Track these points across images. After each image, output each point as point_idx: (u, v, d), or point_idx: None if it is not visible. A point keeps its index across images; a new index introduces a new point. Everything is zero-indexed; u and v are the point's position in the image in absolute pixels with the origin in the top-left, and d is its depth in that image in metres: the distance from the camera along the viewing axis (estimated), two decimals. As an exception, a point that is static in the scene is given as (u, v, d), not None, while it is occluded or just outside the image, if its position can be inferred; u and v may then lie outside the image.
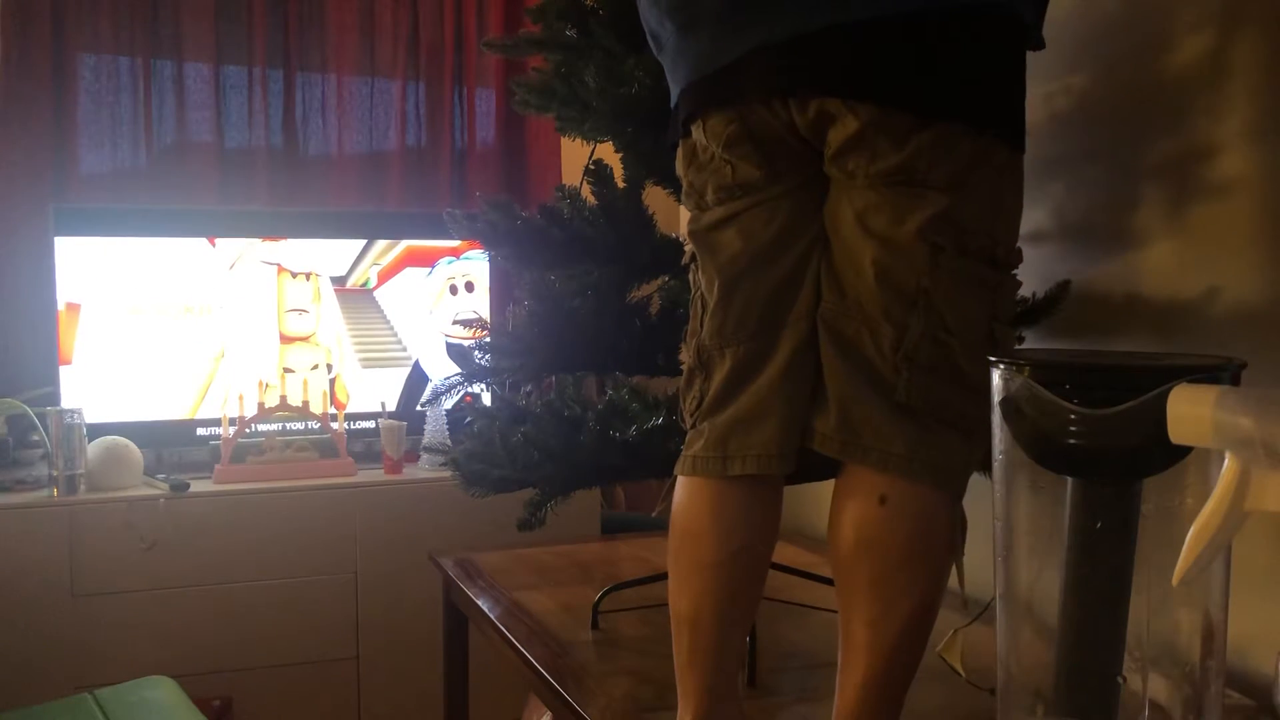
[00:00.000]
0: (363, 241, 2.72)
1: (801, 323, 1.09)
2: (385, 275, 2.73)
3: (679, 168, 1.20)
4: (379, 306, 2.73)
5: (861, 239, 1.04)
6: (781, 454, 1.09)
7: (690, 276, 1.20)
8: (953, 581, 1.09)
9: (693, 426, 1.16)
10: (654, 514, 1.20)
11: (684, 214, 1.24)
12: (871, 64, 1.01)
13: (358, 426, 2.68)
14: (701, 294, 1.16)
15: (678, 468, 1.17)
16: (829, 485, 1.14)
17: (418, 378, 2.75)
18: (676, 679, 1.19)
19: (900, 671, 1.07)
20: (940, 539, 1.06)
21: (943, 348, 1.03)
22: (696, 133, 1.13)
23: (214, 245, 2.59)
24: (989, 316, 1.06)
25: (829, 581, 1.25)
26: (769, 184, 1.09)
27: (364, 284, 2.72)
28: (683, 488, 1.16)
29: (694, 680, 1.16)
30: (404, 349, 2.75)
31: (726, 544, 1.13)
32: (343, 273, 2.71)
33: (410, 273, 2.76)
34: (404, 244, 2.75)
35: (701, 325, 1.15)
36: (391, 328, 2.74)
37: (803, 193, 1.09)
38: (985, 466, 1.08)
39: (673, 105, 1.19)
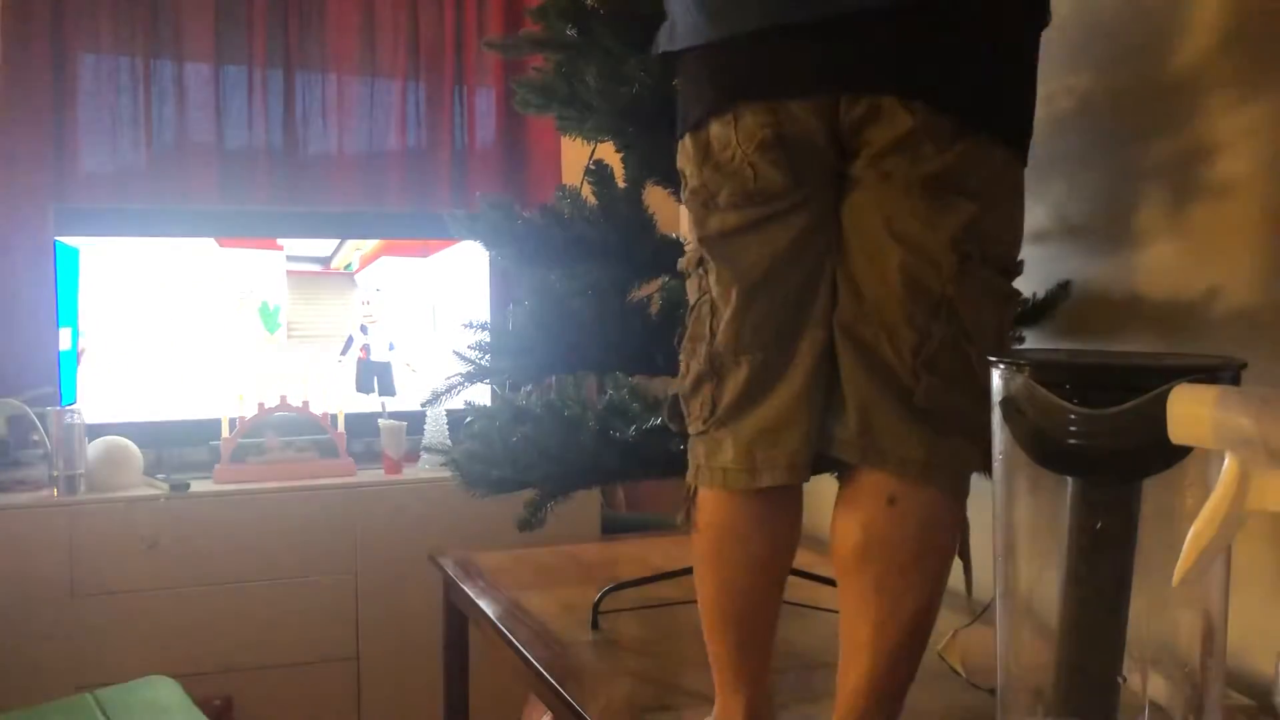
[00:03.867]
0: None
1: (820, 329, 1.08)
2: (367, 260, 2.73)
3: (683, 161, 1.14)
4: (356, 287, 2.73)
5: (888, 243, 1.04)
6: (807, 463, 1.10)
7: (695, 281, 1.17)
8: (958, 582, 1.09)
9: (702, 433, 1.15)
10: (678, 522, 1.20)
11: (685, 212, 1.20)
12: (929, 63, 1.00)
13: (358, 426, 2.67)
14: (712, 299, 1.13)
15: (702, 479, 1.15)
16: (829, 486, 1.14)
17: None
18: (718, 679, 1.20)
19: (901, 671, 1.07)
20: (945, 541, 1.06)
21: (962, 355, 1.04)
22: (721, 128, 1.08)
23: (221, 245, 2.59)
24: (1002, 325, 1.07)
25: (830, 582, 1.25)
26: (789, 191, 1.06)
27: (346, 266, 2.72)
28: (713, 497, 1.15)
29: (746, 673, 1.17)
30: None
31: (771, 543, 1.15)
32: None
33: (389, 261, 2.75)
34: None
35: (711, 331, 1.12)
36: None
37: (821, 199, 1.07)
38: (985, 466, 1.08)
39: (675, 48, 1.12)
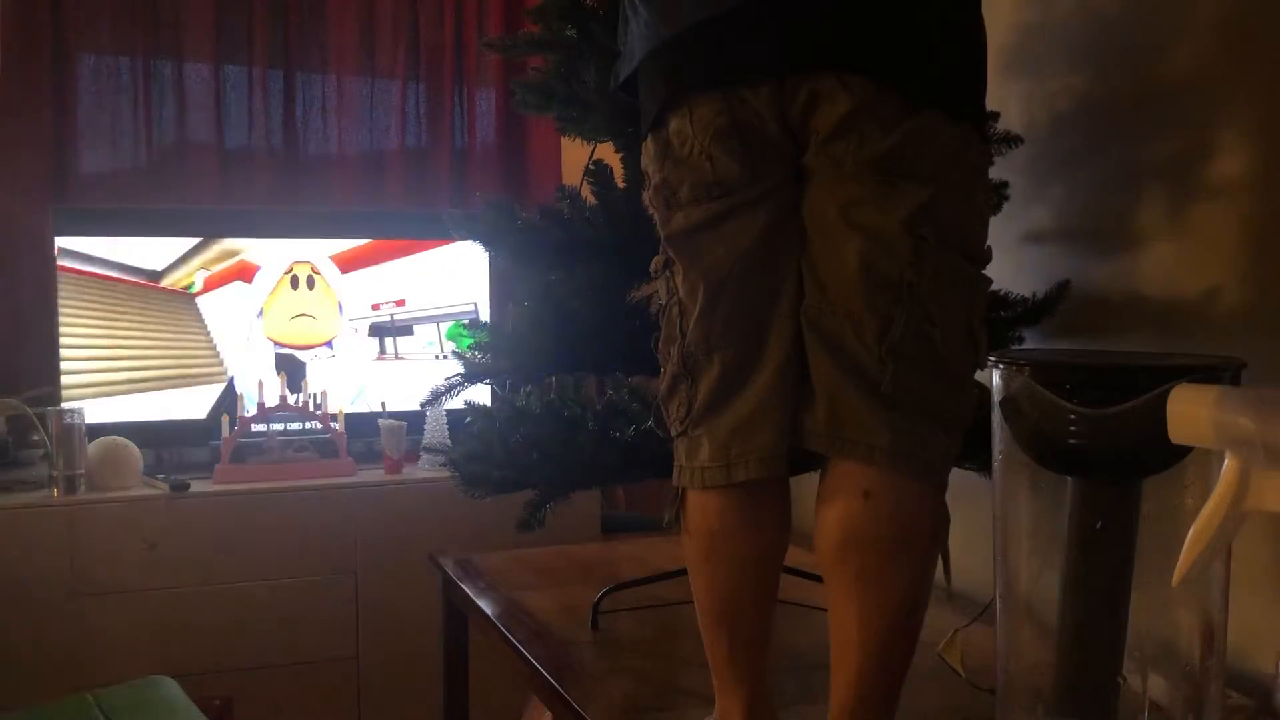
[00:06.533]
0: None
1: (788, 323, 1.08)
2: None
3: (646, 161, 1.15)
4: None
5: (845, 232, 1.03)
6: (782, 456, 1.09)
7: (663, 282, 1.17)
8: (939, 575, 1.09)
9: (682, 434, 1.15)
10: (664, 522, 1.20)
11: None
12: (869, 37, 1.00)
13: (358, 426, 2.67)
14: (680, 299, 1.13)
15: (684, 480, 1.15)
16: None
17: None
18: (716, 680, 1.19)
19: (892, 667, 1.07)
20: (924, 532, 1.06)
21: (926, 340, 1.03)
22: (678, 122, 1.09)
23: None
24: (967, 310, 1.06)
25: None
26: (748, 184, 1.07)
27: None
28: (696, 497, 1.15)
29: (743, 671, 1.17)
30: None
31: (758, 541, 1.14)
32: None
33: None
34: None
35: (682, 331, 1.13)
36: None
37: (782, 193, 1.08)
38: (961, 454, 1.08)
39: (637, 59, 1.13)
